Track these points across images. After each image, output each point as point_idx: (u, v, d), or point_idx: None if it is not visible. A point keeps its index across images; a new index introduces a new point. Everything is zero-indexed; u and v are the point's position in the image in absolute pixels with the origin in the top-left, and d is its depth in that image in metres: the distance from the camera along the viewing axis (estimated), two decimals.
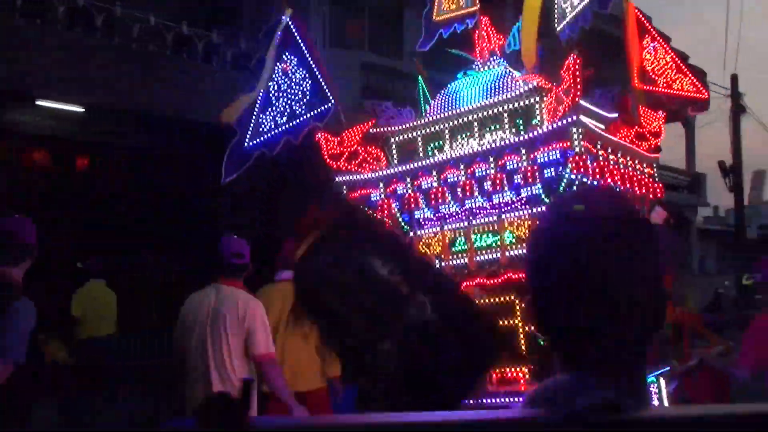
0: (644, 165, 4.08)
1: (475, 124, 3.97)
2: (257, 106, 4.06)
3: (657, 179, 4.16)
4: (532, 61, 3.57)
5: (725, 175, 11.73)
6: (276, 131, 4.08)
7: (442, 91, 4.29)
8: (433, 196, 3.95)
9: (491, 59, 4.24)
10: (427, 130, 4.13)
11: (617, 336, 1.05)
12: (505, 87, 3.98)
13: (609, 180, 3.68)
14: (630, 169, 3.90)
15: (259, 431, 0.96)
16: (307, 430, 1.05)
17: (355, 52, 13.87)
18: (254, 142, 4.06)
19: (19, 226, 3.51)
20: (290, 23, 4.18)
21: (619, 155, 3.84)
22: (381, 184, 4.10)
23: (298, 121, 4.07)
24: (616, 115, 4.09)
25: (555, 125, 3.54)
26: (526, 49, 3.62)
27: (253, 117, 4.04)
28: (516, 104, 3.82)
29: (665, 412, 0.96)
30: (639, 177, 3.95)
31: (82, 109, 9.90)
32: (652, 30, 4.20)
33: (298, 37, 4.15)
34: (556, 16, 3.76)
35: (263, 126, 4.11)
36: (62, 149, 10.63)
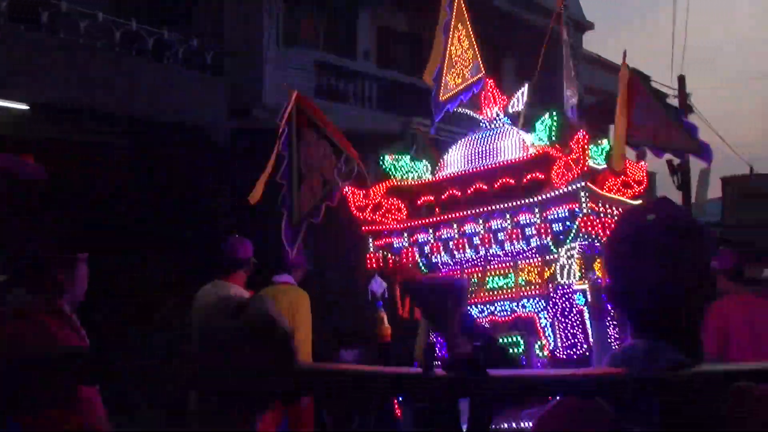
0: None
1: (489, 180, 4.49)
2: (294, 184, 4.44)
3: None
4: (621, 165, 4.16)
5: (673, 173, 12.25)
6: (316, 199, 4.50)
7: (454, 147, 4.78)
8: (453, 246, 4.47)
9: (496, 118, 4.76)
10: (444, 185, 4.62)
11: (680, 310, 1.36)
12: (515, 147, 4.52)
13: (607, 230, 4.29)
14: None
15: (494, 380, 1.18)
16: (534, 382, 1.31)
17: (308, 50, 13.73)
18: (301, 216, 4.45)
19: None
20: (299, 104, 4.57)
21: (614, 208, 4.46)
22: (405, 234, 4.59)
23: (331, 186, 4.49)
24: (605, 165, 4.70)
25: (566, 189, 4.11)
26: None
27: (294, 195, 4.42)
28: (528, 165, 4.37)
29: (723, 367, 1.32)
30: None
31: (27, 107, 9.54)
32: (643, 90, 4.76)
33: (310, 114, 4.54)
34: (565, 98, 4.32)
35: (304, 199, 4.50)
36: (4, 148, 10.36)
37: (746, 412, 1.18)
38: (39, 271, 2.14)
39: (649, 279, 1.36)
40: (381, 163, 4.72)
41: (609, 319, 4.27)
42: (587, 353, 4.24)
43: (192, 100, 11.03)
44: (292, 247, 4.33)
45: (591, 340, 4.27)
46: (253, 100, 12.08)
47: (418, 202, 4.69)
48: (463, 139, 4.81)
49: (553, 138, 4.34)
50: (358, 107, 13.64)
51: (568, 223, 4.21)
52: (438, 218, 4.53)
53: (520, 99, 4.72)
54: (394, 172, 4.72)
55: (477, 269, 4.54)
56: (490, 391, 1.13)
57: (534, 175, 4.36)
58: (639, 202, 4.90)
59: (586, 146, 4.07)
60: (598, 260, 4.43)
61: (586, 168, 4.08)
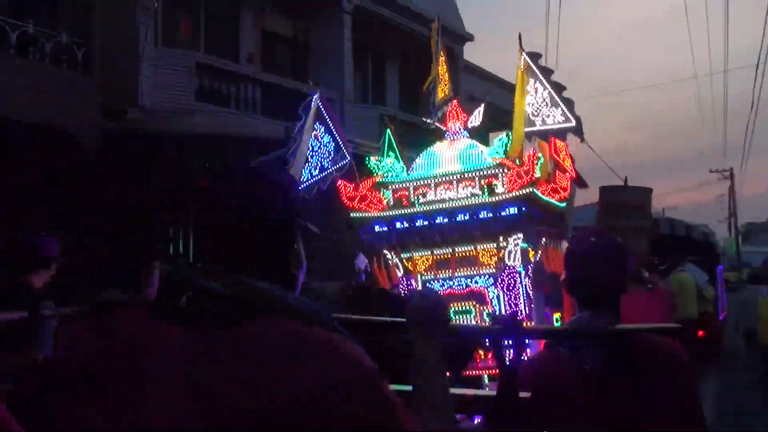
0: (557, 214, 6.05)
1: (454, 181, 5.65)
2: (299, 162, 5.41)
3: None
4: (516, 153, 5.30)
5: None
6: (312, 181, 5.48)
7: (425, 153, 5.90)
8: (423, 232, 5.60)
9: (459, 132, 5.92)
10: (417, 183, 5.73)
11: (609, 294, 2.13)
12: (474, 156, 5.70)
13: (544, 226, 5.58)
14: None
15: (524, 329, 2.22)
16: (542, 332, 2.58)
17: (188, 52, 13.24)
18: (299, 188, 5.42)
19: (42, 242, 4.49)
20: (319, 103, 5.54)
21: (548, 210, 5.75)
22: (385, 222, 5.65)
23: (326, 173, 5.49)
24: (539, 174, 5.97)
25: (518, 193, 5.33)
26: (513, 149, 5.35)
27: (297, 173, 5.39)
28: (486, 172, 5.56)
29: (633, 326, 2.10)
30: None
31: None
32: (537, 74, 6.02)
33: (324, 113, 5.53)
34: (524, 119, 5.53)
35: (303, 177, 5.47)
36: None
37: (648, 352, 2.03)
38: None
39: (593, 277, 2.17)
40: (367, 163, 5.75)
41: (542, 291, 5.57)
42: (525, 318, 5.50)
43: (59, 100, 10.31)
44: None
45: (527, 308, 5.54)
46: (128, 101, 11.50)
47: (396, 195, 5.77)
48: (431, 147, 5.93)
49: (507, 153, 5.54)
50: (240, 111, 13.26)
51: (517, 219, 5.44)
52: (413, 210, 5.63)
53: (477, 116, 5.90)
54: (376, 170, 5.76)
55: (446, 251, 5.69)
56: (522, 333, 2.06)
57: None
58: (563, 205, 6.25)
59: (534, 161, 5.31)
60: (532, 251, 5.72)
61: (533, 178, 5.33)
